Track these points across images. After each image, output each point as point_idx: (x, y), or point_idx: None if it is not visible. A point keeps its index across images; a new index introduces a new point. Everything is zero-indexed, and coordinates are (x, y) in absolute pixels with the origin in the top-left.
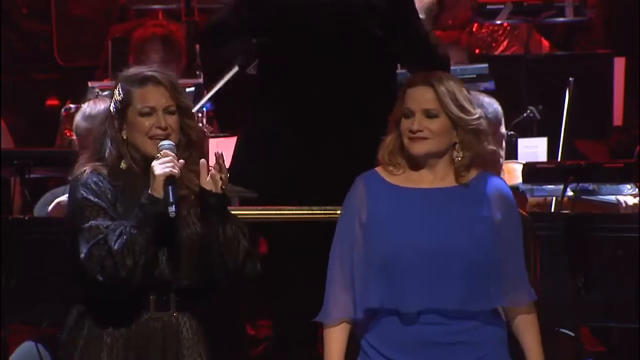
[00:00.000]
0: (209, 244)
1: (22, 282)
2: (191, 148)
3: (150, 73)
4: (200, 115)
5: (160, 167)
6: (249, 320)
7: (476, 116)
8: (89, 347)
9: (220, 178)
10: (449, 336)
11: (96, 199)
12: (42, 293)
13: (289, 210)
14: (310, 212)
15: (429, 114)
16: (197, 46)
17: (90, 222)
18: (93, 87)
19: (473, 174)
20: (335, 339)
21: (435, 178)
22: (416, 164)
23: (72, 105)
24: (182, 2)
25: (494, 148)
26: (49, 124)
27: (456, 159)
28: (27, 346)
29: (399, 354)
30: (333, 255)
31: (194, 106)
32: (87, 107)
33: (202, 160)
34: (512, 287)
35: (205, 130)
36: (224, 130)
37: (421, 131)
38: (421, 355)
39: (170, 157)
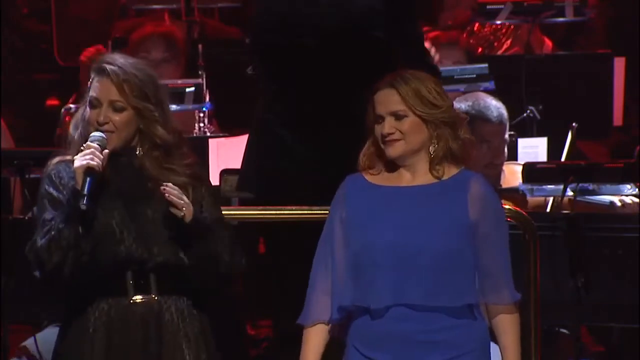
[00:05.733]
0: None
1: (22, 282)
2: (159, 149)
3: (103, 64)
4: (202, 115)
5: (79, 160)
6: (249, 320)
7: (443, 108)
8: (77, 341)
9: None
10: (424, 334)
11: (56, 192)
12: (42, 293)
13: (289, 210)
14: (310, 212)
15: (397, 116)
16: (200, 46)
17: (44, 215)
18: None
19: (453, 170)
20: (312, 341)
21: (414, 176)
22: (395, 164)
23: (72, 105)
24: (182, 2)
25: (468, 136)
26: (49, 124)
27: (431, 152)
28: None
29: (375, 353)
30: (317, 258)
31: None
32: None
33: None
34: (492, 286)
35: (203, 129)
36: (223, 130)
37: (392, 133)
38: (398, 353)
39: (92, 150)
